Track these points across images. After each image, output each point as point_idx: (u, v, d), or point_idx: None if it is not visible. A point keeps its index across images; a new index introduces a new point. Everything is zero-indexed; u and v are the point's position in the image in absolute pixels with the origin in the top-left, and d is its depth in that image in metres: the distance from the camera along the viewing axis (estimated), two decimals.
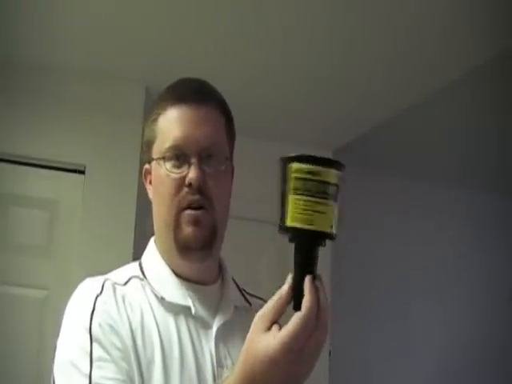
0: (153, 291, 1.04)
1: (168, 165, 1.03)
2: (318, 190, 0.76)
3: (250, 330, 0.81)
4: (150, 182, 1.10)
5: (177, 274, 1.06)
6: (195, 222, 1.02)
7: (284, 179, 0.78)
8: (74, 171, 2.91)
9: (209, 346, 1.02)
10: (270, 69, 2.87)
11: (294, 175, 0.77)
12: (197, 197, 1.01)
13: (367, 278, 3.91)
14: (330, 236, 0.78)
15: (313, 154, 0.78)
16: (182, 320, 1.02)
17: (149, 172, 1.10)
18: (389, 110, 3.17)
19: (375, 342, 3.91)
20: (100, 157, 2.93)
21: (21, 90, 2.86)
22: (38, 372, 2.64)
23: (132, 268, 1.10)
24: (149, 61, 2.86)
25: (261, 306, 1.13)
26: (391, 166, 4.00)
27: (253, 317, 0.82)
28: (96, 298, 0.99)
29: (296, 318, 0.76)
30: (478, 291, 4.24)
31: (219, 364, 1.01)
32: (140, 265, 1.10)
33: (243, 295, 1.16)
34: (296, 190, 0.77)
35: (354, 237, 3.81)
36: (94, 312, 0.97)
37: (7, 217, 2.81)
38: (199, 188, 1.01)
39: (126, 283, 1.04)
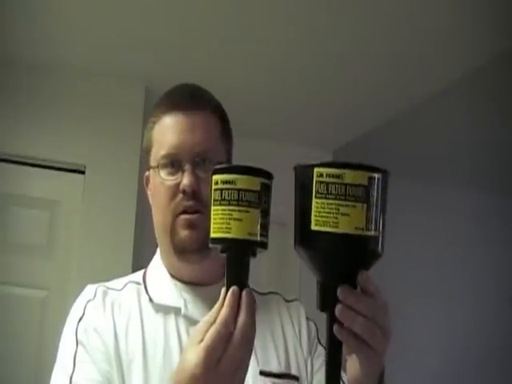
0: (147, 294, 1.08)
1: (163, 173, 1.06)
2: (233, 198, 0.76)
3: (186, 343, 0.82)
4: (150, 190, 1.12)
5: (175, 277, 1.10)
6: (190, 226, 1.04)
7: (209, 194, 0.79)
8: (74, 171, 2.92)
9: None
10: (269, 69, 2.87)
11: (213, 187, 0.78)
12: (191, 202, 1.03)
13: None
14: (251, 243, 0.77)
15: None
16: (171, 320, 1.05)
17: (149, 179, 1.12)
18: (389, 110, 3.16)
19: None
20: (100, 157, 2.93)
21: (21, 89, 2.86)
22: (38, 372, 2.64)
23: (136, 274, 1.15)
24: (149, 61, 2.86)
25: (277, 301, 1.14)
26: (391, 166, 3.98)
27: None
28: (86, 304, 1.06)
29: (209, 331, 0.76)
30: (480, 292, 4.23)
31: None
32: (145, 270, 1.15)
33: None
34: (215, 201, 0.78)
35: None
36: (83, 317, 1.04)
37: (7, 217, 2.81)
38: (193, 194, 1.03)
39: (122, 288, 1.10)
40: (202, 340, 0.76)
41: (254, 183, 0.78)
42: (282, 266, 3.37)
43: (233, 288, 0.77)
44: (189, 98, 1.08)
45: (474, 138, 3.55)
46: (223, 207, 0.77)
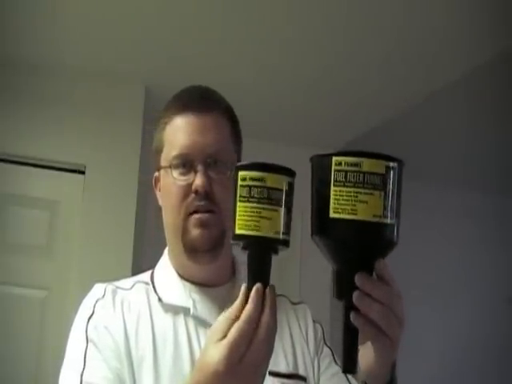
0: (156, 294, 1.09)
1: (175, 173, 1.07)
2: (263, 196, 0.77)
3: (205, 341, 0.82)
4: (160, 190, 1.13)
5: (184, 277, 1.11)
6: (202, 225, 1.05)
7: (234, 189, 0.79)
8: (74, 171, 2.92)
9: None
10: (269, 69, 2.87)
11: (240, 183, 0.78)
12: (203, 202, 1.04)
13: None
14: (278, 241, 0.78)
15: (268, 161, 0.78)
16: (180, 320, 1.06)
17: (158, 180, 1.13)
18: (388, 110, 3.17)
19: None
20: (100, 157, 2.94)
21: (21, 89, 2.87)
22: (38, 372, 2.65)
23: (143, 274, 1.16)
24: (149, 61, 2.86)
25: (284, 303, 1.15)
26: None
27: None
28: (96, 302, 1.06)
29: (234, 327, 0.76)
30: (478, 292, 4.23)
31: None
32: (153, 271, 1.16)
33: None
34: (242, 198, 0.78)
35: None
36: (93, 315, 1.04)
37: (7, 217, 2.81)
38: (206, 194, 1.04)
39: (130, 288, 1.11)
40: (223, 337, 0.76)
41: (282, 182, 0.78)
42: (282, 268, 3.37)
43: (257, 285, 0.77)
44: (199, 100, 1.10)
45: (473, 138, 3.55)
46: (252, 204, 0.77)
